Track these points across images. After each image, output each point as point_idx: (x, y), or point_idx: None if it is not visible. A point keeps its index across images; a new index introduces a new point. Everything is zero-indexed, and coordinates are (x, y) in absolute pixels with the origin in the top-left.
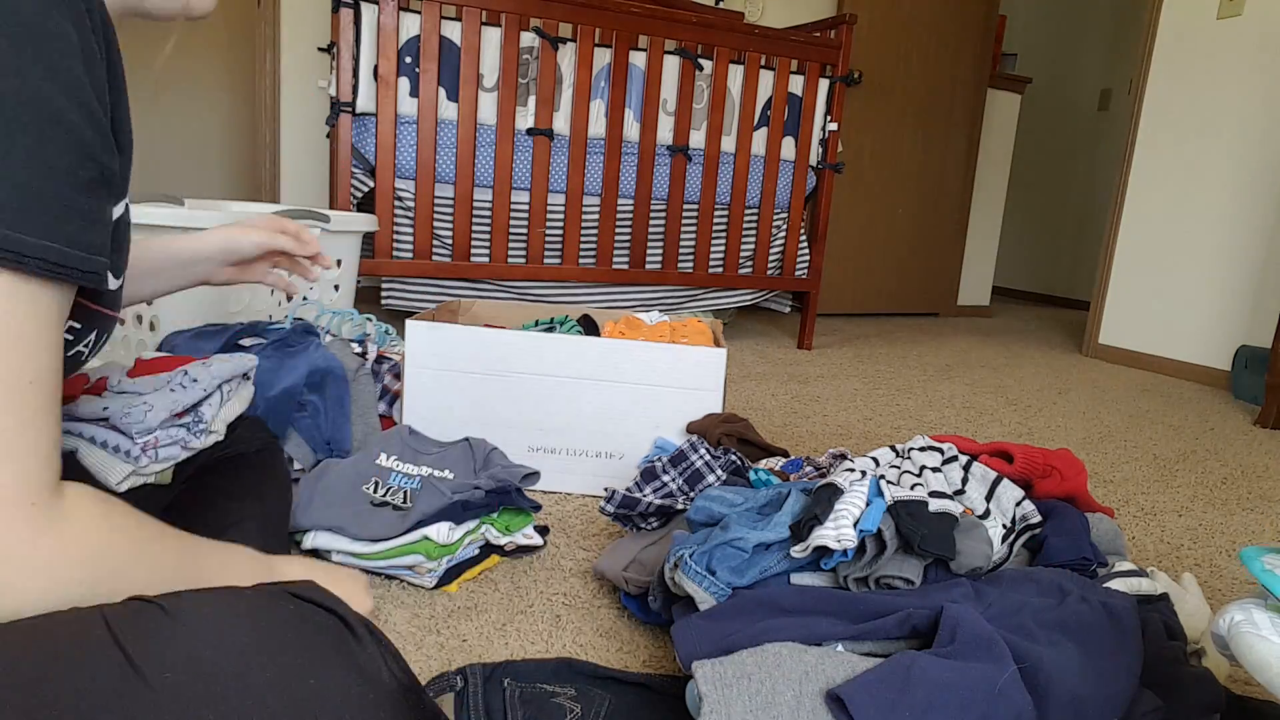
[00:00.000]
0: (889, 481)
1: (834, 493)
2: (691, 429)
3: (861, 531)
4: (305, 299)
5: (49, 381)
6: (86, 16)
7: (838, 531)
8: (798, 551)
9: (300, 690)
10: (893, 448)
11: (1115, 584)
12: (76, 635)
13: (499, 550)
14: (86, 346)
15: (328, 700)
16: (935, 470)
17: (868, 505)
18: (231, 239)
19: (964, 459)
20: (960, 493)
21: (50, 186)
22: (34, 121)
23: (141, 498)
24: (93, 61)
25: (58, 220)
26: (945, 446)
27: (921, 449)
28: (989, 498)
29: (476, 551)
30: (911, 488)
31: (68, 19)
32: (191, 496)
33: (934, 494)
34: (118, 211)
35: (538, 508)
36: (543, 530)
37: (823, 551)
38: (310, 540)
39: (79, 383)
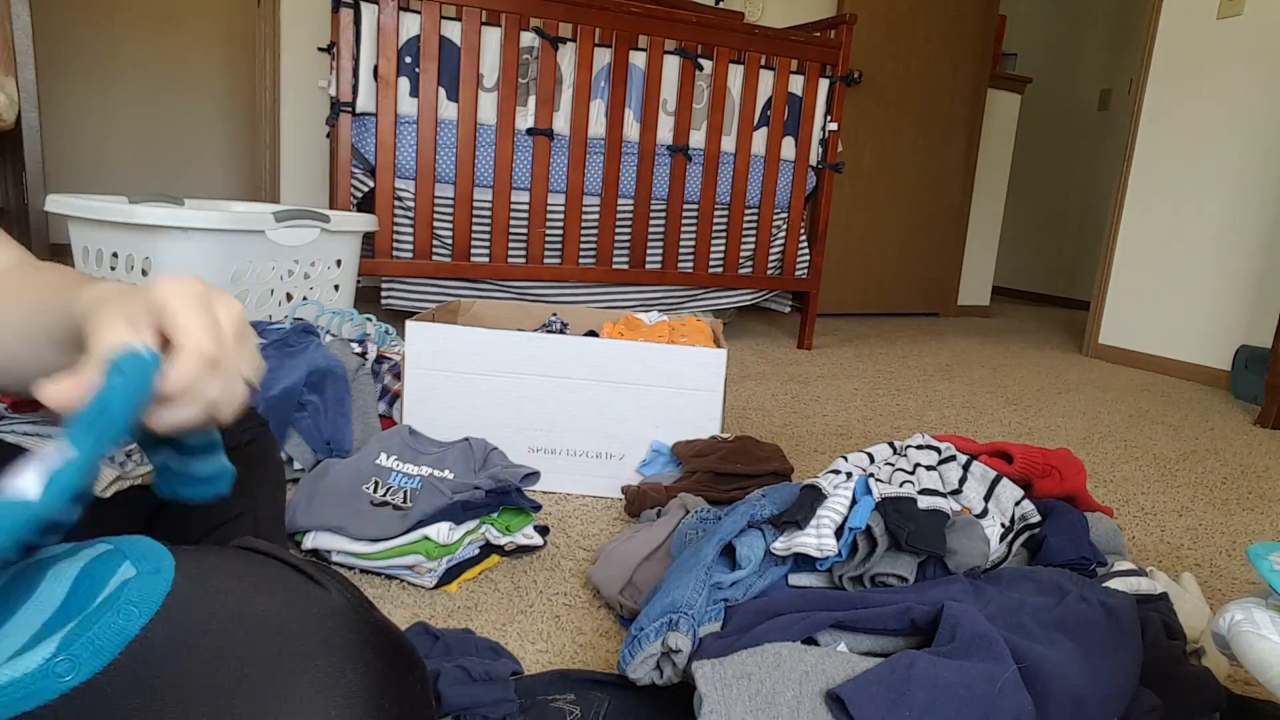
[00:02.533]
0: (878, 480)
1: (816, 497)
2: (678, 452)
3: (851, 529)
4: (305, 299)
5: None
6: None
7: (819, 540)
8: (779, 548)
9: (251, 606)
10: (891, 444)
11: (1114, 583)
12: None
13: (499, 550)
14: None
15: (276, 607)
16: (929, 469)
17: (855, 503)
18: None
19: (963, 458)
20: (957, 492)
21: None
22: None
23: (129, 499)
24: None
25: None
26: (943, 446)
27: (919, 447)
28: (988, 497)
29: (476, 551)
30: (901, 485)
31: None
32: None
33: (925, 491)
34: None
35: (538, 508)
36: (543, 530)
37: (804, 556)
38: (310, 540)
39: None
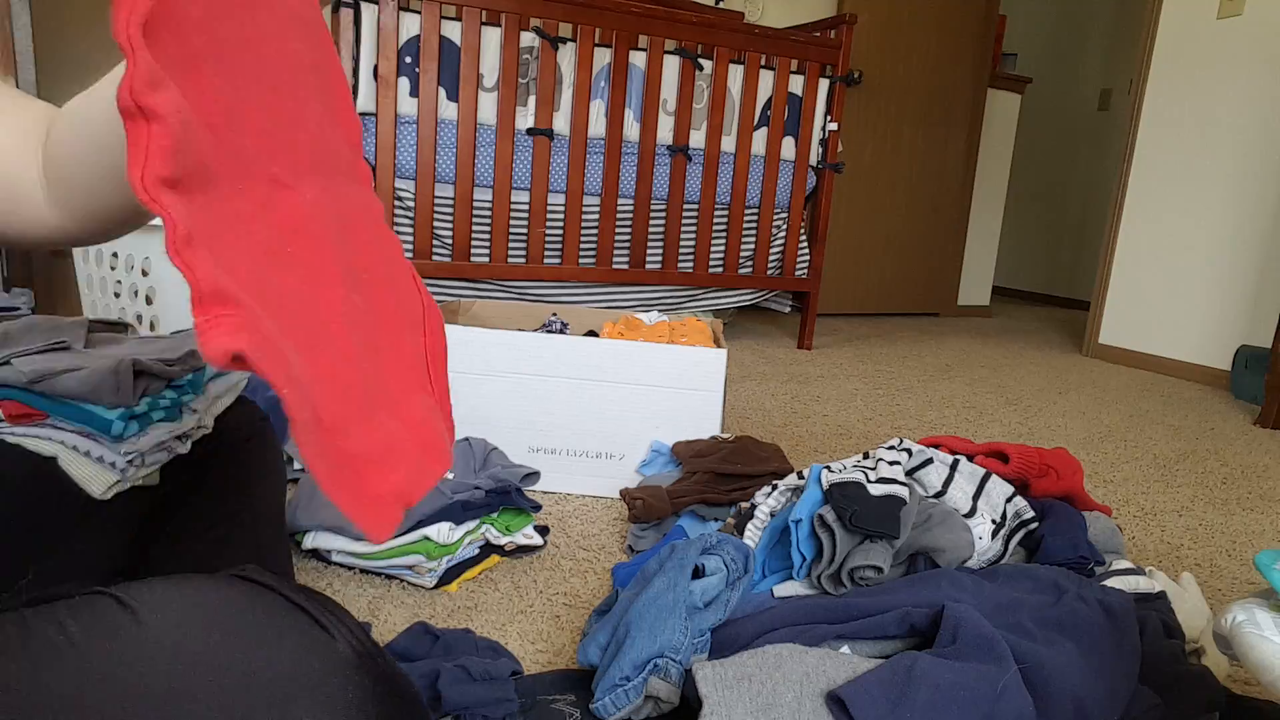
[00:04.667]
0: (830, 470)
1: (749, 512)
2: (678, 452)
3: (794, 521)
4: None
5: None
6: None
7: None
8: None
9: (252, 662)
10: (865, 454)
11: (1113, 582)
12: (27, 624)
13: (499, 550)
14: None
15: (278, 665)
16: (892, 463)
17: (801, 495)
18: None
19: (949, 459)
20: (941, 494)
21: None
22: None
23: (128, 499)
24: None
25: None
26: (917, 449)
27: (889, 448)
28: (977, 495)
29: (476, 551)
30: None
31: None
32: (180, 496)
33: (882, 480)
34: None
35: (538, 508)
36: (543, 530)
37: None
38: (310, 540)
39: None
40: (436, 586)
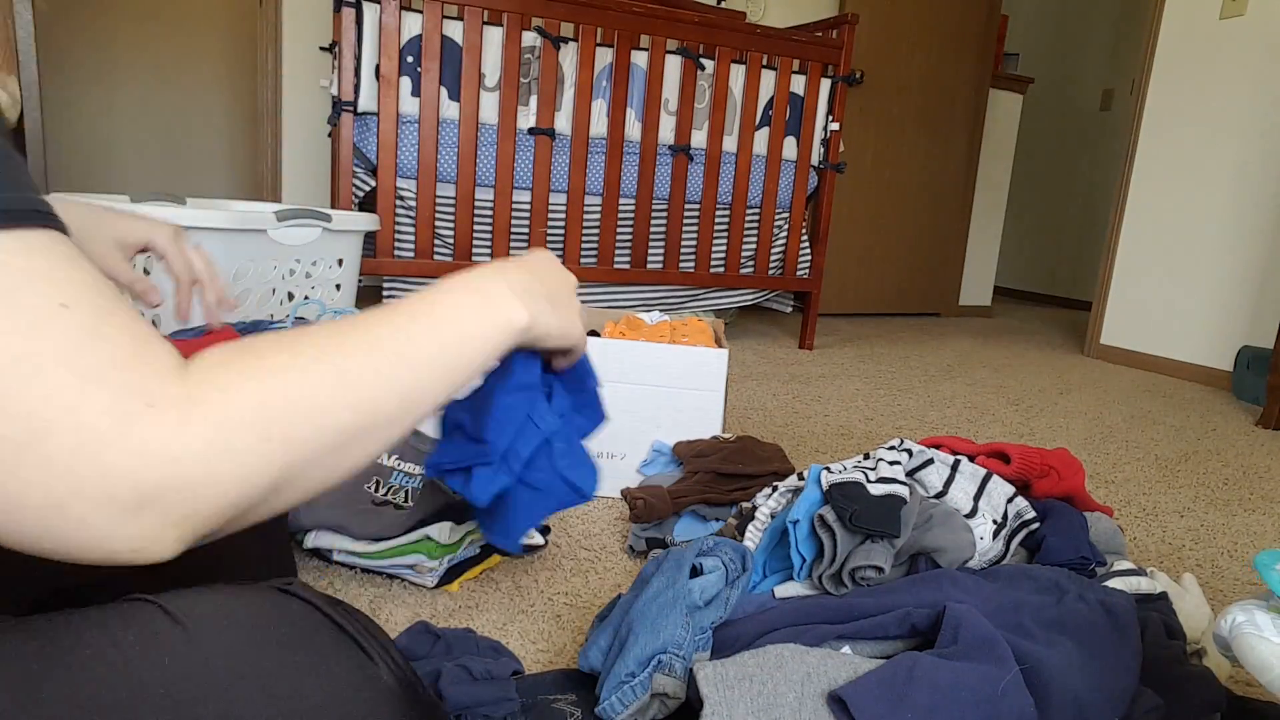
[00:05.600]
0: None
1: (748, 517)
2: (679, 452)
3: (792, 523)
4: (307, 299)
5: (90, 298)
6: None
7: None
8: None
9: (303, 689)
10: (865, 454)
11: (1114, 583)
12: (76, 631)
13: (500, 550)
14: None
15: (328, 695)
16: (892, 463)
17: (801, 495)
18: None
19: (950, 459)
20: (943, 494)
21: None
22: None
23: None
24: None
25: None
26: (917, 449)
27: (890, 448)
28: (978, 495)
29: (478, 551)
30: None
31: None
32: None
33: (882, 480)
34: None
35: None
36: (544, 530)
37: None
38: (312, 539)
39: None
40: (438, 586)
